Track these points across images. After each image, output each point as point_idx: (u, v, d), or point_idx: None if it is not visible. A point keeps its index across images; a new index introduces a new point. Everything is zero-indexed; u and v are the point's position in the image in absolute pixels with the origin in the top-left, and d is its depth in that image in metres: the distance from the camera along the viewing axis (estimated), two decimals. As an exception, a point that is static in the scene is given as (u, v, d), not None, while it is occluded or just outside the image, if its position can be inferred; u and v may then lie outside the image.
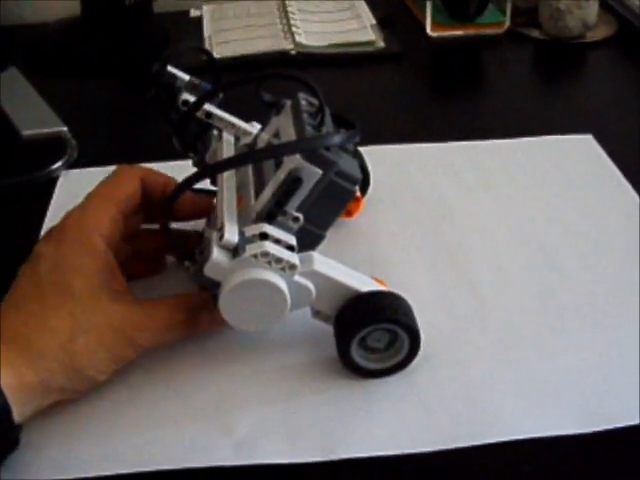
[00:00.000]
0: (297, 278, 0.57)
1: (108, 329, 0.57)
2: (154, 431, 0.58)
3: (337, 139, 0.56)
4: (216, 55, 1.08)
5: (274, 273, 0.56)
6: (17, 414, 0.52)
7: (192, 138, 0.69)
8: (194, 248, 0.59)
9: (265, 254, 0.55)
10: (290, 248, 0.57)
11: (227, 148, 0.67)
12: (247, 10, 1.25)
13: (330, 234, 0.62)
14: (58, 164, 0.87)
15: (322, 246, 0.61)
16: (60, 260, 0.59)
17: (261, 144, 0.65)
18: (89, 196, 0.64)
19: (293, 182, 0.56)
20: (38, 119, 0.95)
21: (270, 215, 0.57)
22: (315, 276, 0.58)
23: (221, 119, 0.68)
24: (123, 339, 0.58)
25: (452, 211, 0.79)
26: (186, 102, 0.67)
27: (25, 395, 0.54)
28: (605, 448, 0.56)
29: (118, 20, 1.15)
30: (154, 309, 0.60)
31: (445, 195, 0.81)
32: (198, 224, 0.69)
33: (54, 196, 0.83)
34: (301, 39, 1.13)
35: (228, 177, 0.63)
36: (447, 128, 0.94)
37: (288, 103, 0.64)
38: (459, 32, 1.18)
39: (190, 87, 0.68)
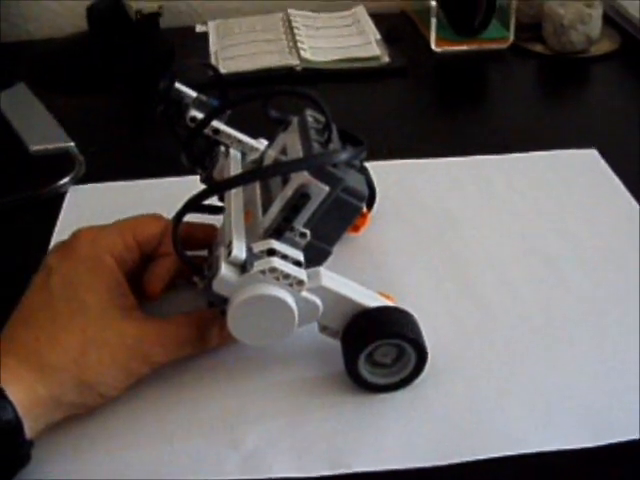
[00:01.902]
0: (305, 294, 0.57)
1: (120, 345, 0.58)
2: (161, 445, 0.58)
3: (344, 156, 0.56)
4: (222, 71, 1.08)
5: (282, 289, 0.56)
6: (29, 429, 0.53)
7: (200, 154, 0.69)
8: (202, 264, 0.59)
9: (273, 270, 0.55)
10: (297, 264, 0.57)
11: (234, 164, 0.67)
12: (253, 26, 1.25)
13: (337, 249, 0.62)
14: (66, 180, 0.87)
15: (329, 261, 0.61)
16: (71, 276, 0.60)
17: (268, 161, 0.66)
18: (112, 223, 0.65)
19: (300, 198, 0.57)
20: (46, 134, 0.95)
21: (278, 231, 0.58)
22: (322, 292, 0.58)
23: (228, 135, 0.68)
24: (136, 355, 0.59)
25: (458, 226, 0.79)
26: (194, 119, 0.67)
27: (37, 410, 0.54)
28: (611, 462, 0.56)
29: (125, 36, 1.16)
30: (166, 326, 0.61)
31: (451, 210, 0.82)
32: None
33: (62, 211, 0.84)
34: (306, 55, 1.14)
35: (236, 193, 0.63)
36: (452, 143, 0.95)
37: (295, 120, 0.65)
38: (463, 47, 1.18)
39: (198, 104, 0.68)
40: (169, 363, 0.61)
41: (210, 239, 0.67)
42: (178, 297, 0.68)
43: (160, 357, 0.60)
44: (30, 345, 0.56)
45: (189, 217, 0.58)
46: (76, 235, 0.64)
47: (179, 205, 0.56)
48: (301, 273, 0.57)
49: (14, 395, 0.52)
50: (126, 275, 0.63)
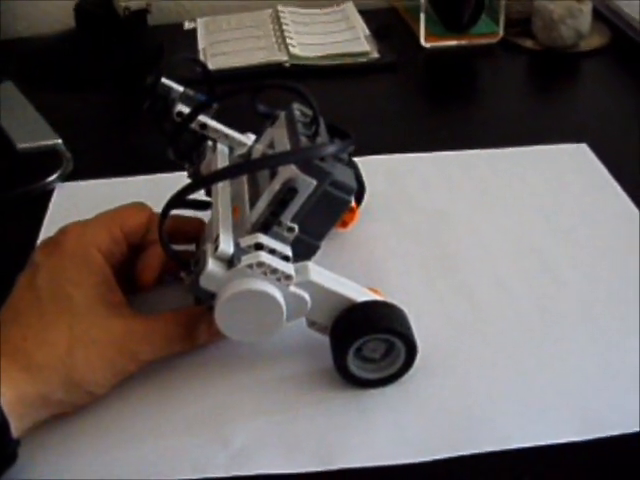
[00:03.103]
0: (293, 288, 0.57)
1: (108, 343, 0.57)
2: (149, 443, 0.58)
3: (332, 149, 0.56)
4: (210, 67, 1.08)
5: (269, 284, 0.56)
6: (15, 428, 0.52)
7: (187, 149, 0.69)
8: (190, 259, 0.59)
9: (260, 264, 0.55)
10: (285, 258, 0.57)
11: (221, 159, 0.67)
12: (241, 22, 1.25)
13: (325, 244, 0.62)
14: (53, 177, 0.87)
15: (317, 256, 0.61)
16: (58, 272, 0.59)
17: (256, 155, 0.65)
18: (96, 215, 0.65)
19: (288, 192, 0.56)
20: (33, 132, 0.94)
21: (265, 226, 0.57)
22: (311, 286, 0.58)
23: (216, 130, 0.68)
24: (123, 353, 0.58)
25: (447, 220, 0.79)
26: (180, 113, 0.67)
27: (23, 409, 0.53)
28: (604, 456, 0.56)
29: (112, 33, 1.15)
30: (153, 323, 0.60)
31: (440, 204, 0.81)
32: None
33: (49, 209, 0.83)
34: (295, 50, 1.14)
35: (223, 188, 0.63)
36: (441, 138, 0.94)
37: (282, 114, 0.64)
38: (453, 42, 1.18)
39: (184, 98, 0.68)
40: (156, 360, 0.61)
41: (198, 233, 0.66)
42: (165, 293, 0.68)
43: (147, 355, 0.60)
44: (17, 343, 0.56)
45: (178, 211, 0.57)
46: (63, 231, 0.63)
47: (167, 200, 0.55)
48: (289, 268, 0.56)
49: (0, 394, 0.52)
50: (114, 268, 0.63)
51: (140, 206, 0.67)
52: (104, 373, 0.58)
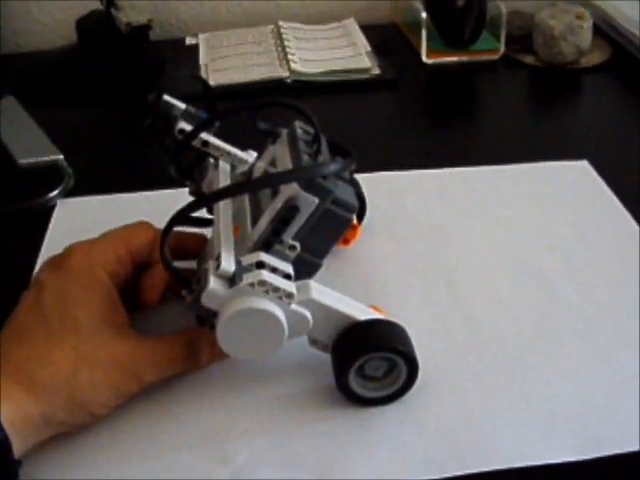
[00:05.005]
0: (294, 307, 0.57)
1: (112, 364, 0.57)
2: (151, 461, 0.58)
3: (333, 168, 0.56)
4: (212, 83, 1.09)
5: (271, 302, 0.56)
6: (18, 448, 0.52)
7: (188, 166, 0.69)
8: (191, 278, 0.59)
9: (262, 283, 0.55)
10: (287, 277, 0.57)
11: (223, 177, 0.67)
12: (243, 38, 1.25)
13: (327, 262, 0.62)
14: (55, 193, 0.87)
15: (319, 274, 0.61)
16: (64, 291, 0.59)
17: (257, 173, 0.65)
18: (101, 234, 0.65)
19: (290, 211, 0.56)
20: (35, 148, 0.94)
21: (267, 244, 0.57)
22: (312, 304, 0.58)
23: (217, 148, 0.68)
24: (127, 375, 0.58)
25: (449, 238, 0.79)
26: (182, 131, 0.67)
27: (26, 429, 0.53)
28: (604, 475, 0.56)
29: (114, 48, 1.15)
30: (157, 345, 0.60)
31: (441, 222, 0.81)
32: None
33: (51, 225, 0.83)
34: (297, 67, 1.14)
35: (224, 206, 0.63)
36: (443, 154, 0.94)
37: (284, 132, 0.64)
38: (454, 58, 1.19)
39: (186, 116, 0.68)
40: (160, 381, 0.61)
41: (199, 248, 0.66)
42: (168, 312, 0.68)
43: (151, 377, 0.60)
44: (21, 363, 0.55)
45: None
46: (68, 250, 0.63)
47: (168, 217, 0.55)
48: (290, 286, 0.56)
49: (3, 414, 0.51)
50: (119, 287, 0.62)
51: (145, 225, 0.67)
52: (107, 394, 0.58)
